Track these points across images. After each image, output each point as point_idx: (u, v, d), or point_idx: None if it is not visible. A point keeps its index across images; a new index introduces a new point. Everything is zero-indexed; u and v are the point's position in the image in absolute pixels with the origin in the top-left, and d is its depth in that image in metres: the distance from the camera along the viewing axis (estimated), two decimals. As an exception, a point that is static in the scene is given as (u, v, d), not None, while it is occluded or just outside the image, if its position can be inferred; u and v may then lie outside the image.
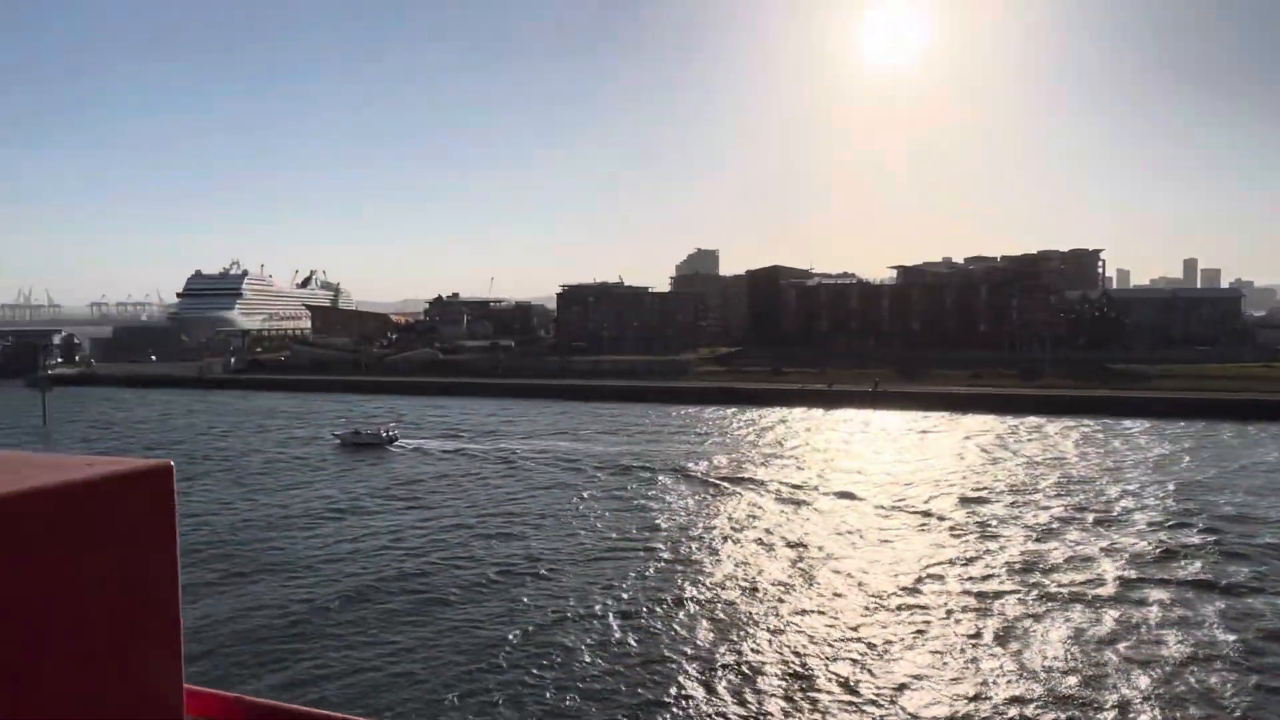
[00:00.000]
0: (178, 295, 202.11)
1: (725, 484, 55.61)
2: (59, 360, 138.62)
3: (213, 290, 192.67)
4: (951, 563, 38.15)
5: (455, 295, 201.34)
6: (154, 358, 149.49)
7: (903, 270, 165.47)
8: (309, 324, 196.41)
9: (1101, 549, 39.57)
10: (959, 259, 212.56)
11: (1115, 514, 46.53)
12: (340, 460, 67.69)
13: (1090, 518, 45.60)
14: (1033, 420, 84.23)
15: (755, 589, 35.28)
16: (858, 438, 77.29)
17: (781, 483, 55.32)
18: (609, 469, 61.40)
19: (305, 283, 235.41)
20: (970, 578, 36.11)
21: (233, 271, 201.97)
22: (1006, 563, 37.94)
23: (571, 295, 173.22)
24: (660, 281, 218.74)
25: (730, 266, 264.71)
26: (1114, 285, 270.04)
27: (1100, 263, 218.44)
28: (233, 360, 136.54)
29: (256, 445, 75.39)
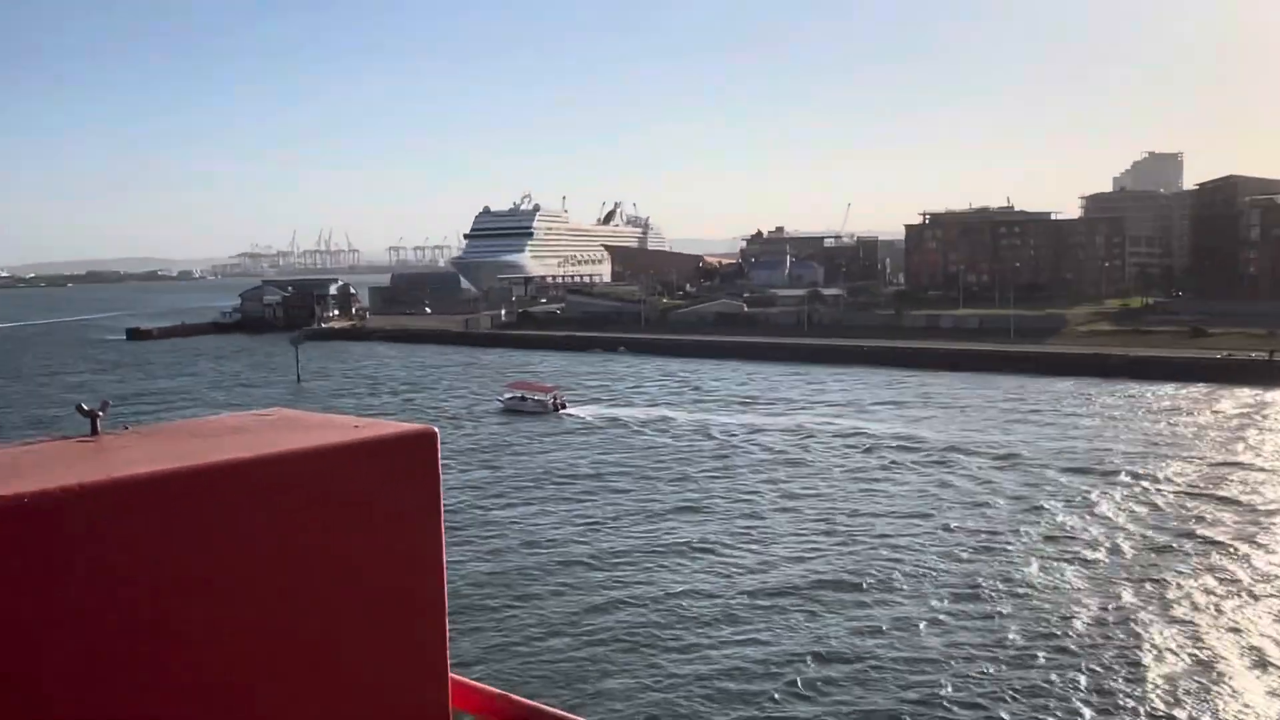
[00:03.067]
0: (464, 237, 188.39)
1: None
2: (335, 313, 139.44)
3: (501, 230, 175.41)
4: None
5: (779, 230, 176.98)
6: (428, 309, 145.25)
7: None
8: (608, 268, 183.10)
9: None
10: None
11: None
12: (494, 429, 63.95)
13: None
14: None
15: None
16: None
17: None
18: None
19: (608, 218, 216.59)
20: None
21: (523, 207, 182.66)
22: None
23: (926, 229, 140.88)
24: (1096, 204, 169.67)
25: (1199, 177, 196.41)
26: None
27: None
28: (503, 314, 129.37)
29: (431, 403, 75.69)
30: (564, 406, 68.30)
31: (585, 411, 68.86)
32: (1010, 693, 25.78)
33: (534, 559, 35.51)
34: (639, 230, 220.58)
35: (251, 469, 1.74)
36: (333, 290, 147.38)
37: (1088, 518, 41.09)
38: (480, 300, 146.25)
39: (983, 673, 26.77)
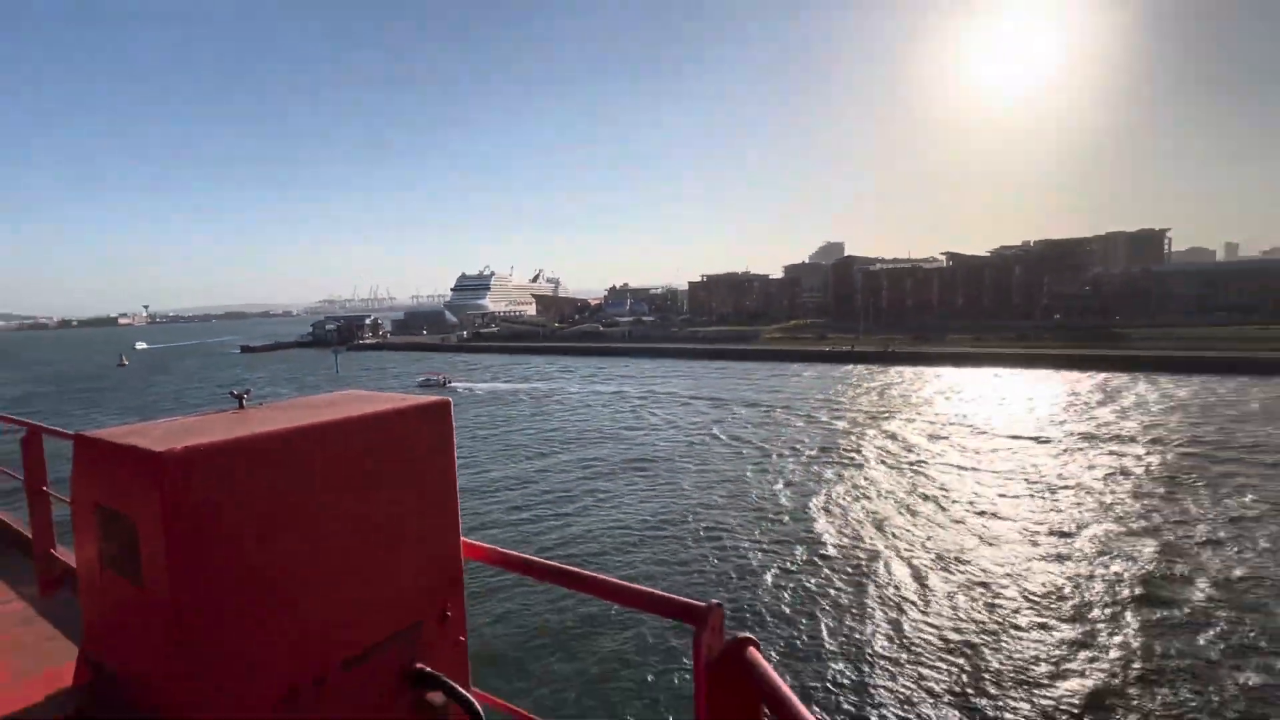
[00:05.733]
0: (451, 290, 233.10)
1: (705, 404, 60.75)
2: (369, 336, 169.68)
3: (471, 286, 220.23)
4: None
5: (625, 284, 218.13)
6: (425, 332, 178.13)
7: (951, 255, 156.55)
8: (534, 308, 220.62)
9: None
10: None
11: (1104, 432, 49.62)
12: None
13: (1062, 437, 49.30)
14: (1000, 368, 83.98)
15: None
16: (834, 385, 75.71)
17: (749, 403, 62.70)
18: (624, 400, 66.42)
19: (535, 278, 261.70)
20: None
21: (485, 273, 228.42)
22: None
23: (699, 284, 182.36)
24: (791, 270, 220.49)
25: (849, 252, 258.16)
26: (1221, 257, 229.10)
27: (1166, 240, 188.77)
28: (464, 334, 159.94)
29: (375, 381, 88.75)
30: (448, 383, 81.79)
31: (466, 385, 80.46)
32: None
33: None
34: (553, 285, 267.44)
35: (346, 425, 2.05)
36: (367, 322, 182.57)
37: (749, 427, 50.73)
38: (456, 327, 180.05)
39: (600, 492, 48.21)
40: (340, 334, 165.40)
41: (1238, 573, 24.16)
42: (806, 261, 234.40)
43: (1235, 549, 26.59)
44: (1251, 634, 19.76)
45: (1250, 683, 17.36)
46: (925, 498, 33.79)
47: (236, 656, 1.83)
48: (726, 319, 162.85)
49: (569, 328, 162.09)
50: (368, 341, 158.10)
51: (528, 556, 2.34)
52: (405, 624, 2.26)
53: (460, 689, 2.27)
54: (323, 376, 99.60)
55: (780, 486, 36.15)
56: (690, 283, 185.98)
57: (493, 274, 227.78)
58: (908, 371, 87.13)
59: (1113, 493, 34.20)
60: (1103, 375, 76.94)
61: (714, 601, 1.75)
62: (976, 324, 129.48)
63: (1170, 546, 26.91)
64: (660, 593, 1.92)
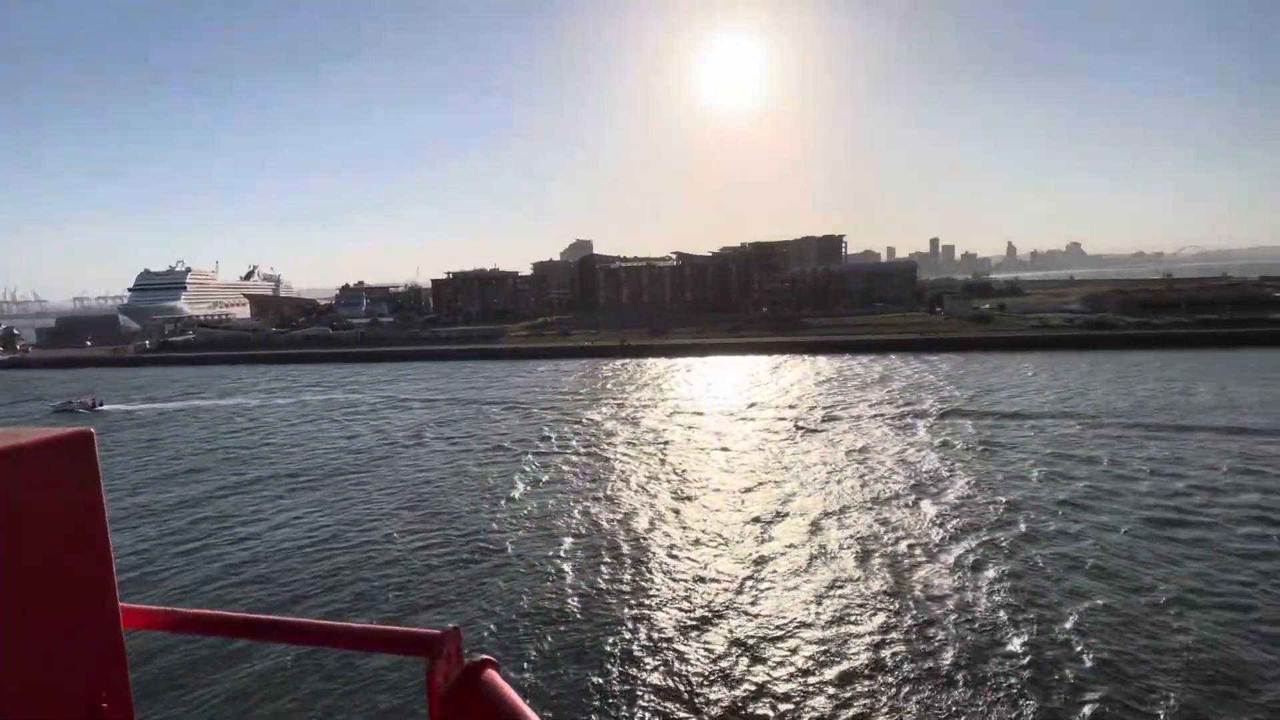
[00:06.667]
0: (128, 290, 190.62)
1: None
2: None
3: (158, 285, 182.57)
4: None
5: (361, 283, 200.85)
6: (89, 343, 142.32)
7: (679, 254, 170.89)
8: (248, 310, 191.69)
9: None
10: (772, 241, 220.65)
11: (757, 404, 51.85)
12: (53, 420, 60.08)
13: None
14: (716, 356, 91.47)
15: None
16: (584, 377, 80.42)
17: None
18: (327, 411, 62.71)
19: (249, 276, 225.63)
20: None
21: (177, 269, 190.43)
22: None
23: (443, 282, 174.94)
24: (540, 268, 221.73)
25: (604, 250, 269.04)
26: (893, 258, 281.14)
27: (843, 245, 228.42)
28: (147, 344, 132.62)
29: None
30: (98, 406, 69.67)
31: (132, 408, 70.02)
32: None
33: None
34: (272, 284, 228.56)
35: None
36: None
37: (476, 427, 53.33)
38: (137, 335, 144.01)
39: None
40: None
41: (834, 494, 28.98)
42: (556, 259, 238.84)
43: (835, 478, 32.00)
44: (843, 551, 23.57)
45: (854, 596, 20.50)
46: (649, 480, 35.30)
47: None
48: (474, 318, 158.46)
49: (289, 332, 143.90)
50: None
51: (212, 613, 1.98)
52: None
53: None
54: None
55: (507, 485, 35.32)
56: (434, 280, 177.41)
57: (188, 270, 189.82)
58: (642, 363, 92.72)
59: (788, 451, 39.27)
60: (785, 357, 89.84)
61: (450, 627, 1.60)
62: (702, 317, 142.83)
63: (805, 484, 31.44)
64: (386, 627, 1.73)
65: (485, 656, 1.58)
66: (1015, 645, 18.83)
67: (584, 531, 29.16)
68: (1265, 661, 17.46)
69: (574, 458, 41.70)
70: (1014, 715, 16.02)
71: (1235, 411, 45.49)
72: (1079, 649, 18.39)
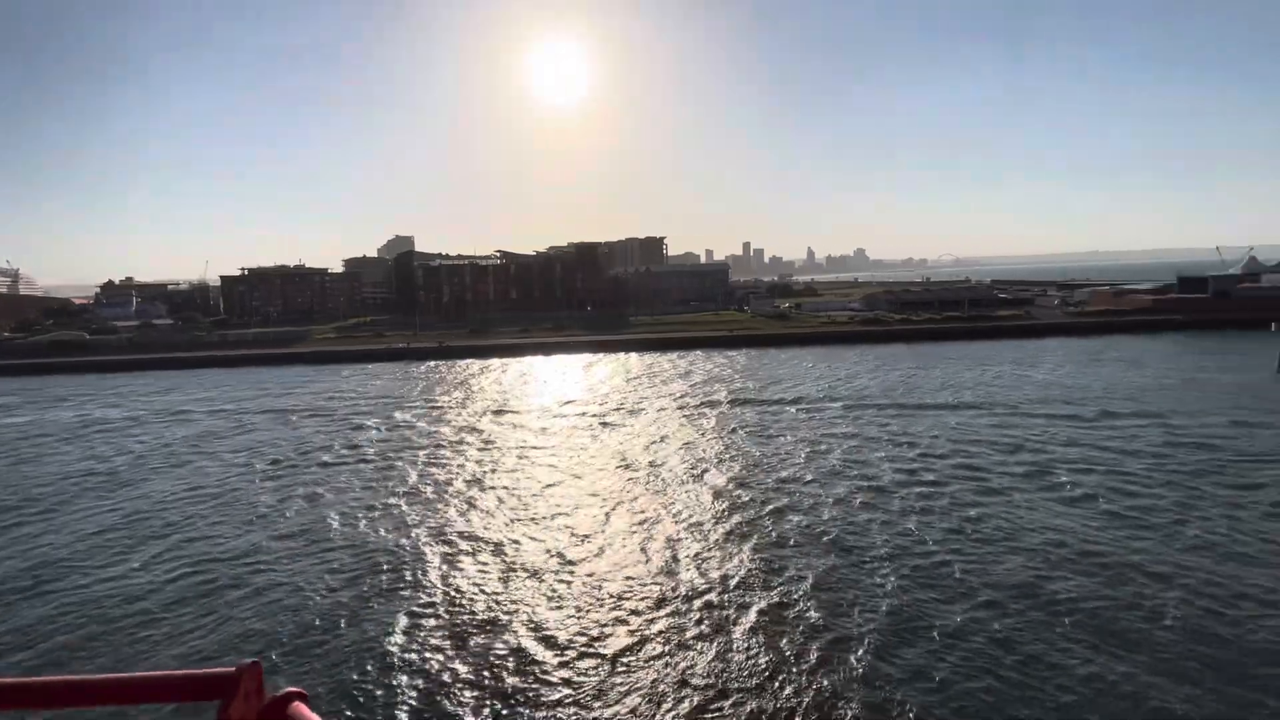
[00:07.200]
0: None
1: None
2: None
3: None
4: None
5: (129, 279, 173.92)
6: None
7: (504, 253, 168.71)
8: None
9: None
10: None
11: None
12: None
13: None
14: (541, 355, 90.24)
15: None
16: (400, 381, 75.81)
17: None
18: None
19: None
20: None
21: None
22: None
23: (235, 279, 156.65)
24: (354, 264, 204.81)
25: (426, 248, 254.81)
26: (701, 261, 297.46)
27: (664, 246, 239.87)
28: None
29: None
30: None
31: None
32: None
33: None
34: (8, 278, 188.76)
35: None
36: None
37: (278, 428, 52.66)
38: None
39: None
40: None
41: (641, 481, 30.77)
42: (374, 255, 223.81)
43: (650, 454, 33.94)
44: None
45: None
46: (448, 483, 34.11)
47: None
48: (274, 319, 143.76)
49: (31, 338, 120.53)
50: None
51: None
52: None
53: None
54: None
55: (282, 501, 32.45)
56: (224, 278, 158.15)
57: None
58: (461, 364, 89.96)
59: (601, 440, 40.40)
60: (605, 355, 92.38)
61: (246, 662, 1.46)
62: (528, 315, 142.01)
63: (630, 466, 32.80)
64: (174, 672, 1.53)
65: (292, 689, 1.44)
66: (758, 607, 21.30)
67: (373, 543, 27.91)
68: (939, 599, 21.44)
69: (367, 466, 39.66)
70: (754, 669, 18.15)
71: (956, 391, 54.86)
72: (802, 606, 21.28)
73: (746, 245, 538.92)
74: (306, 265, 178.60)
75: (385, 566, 25.42)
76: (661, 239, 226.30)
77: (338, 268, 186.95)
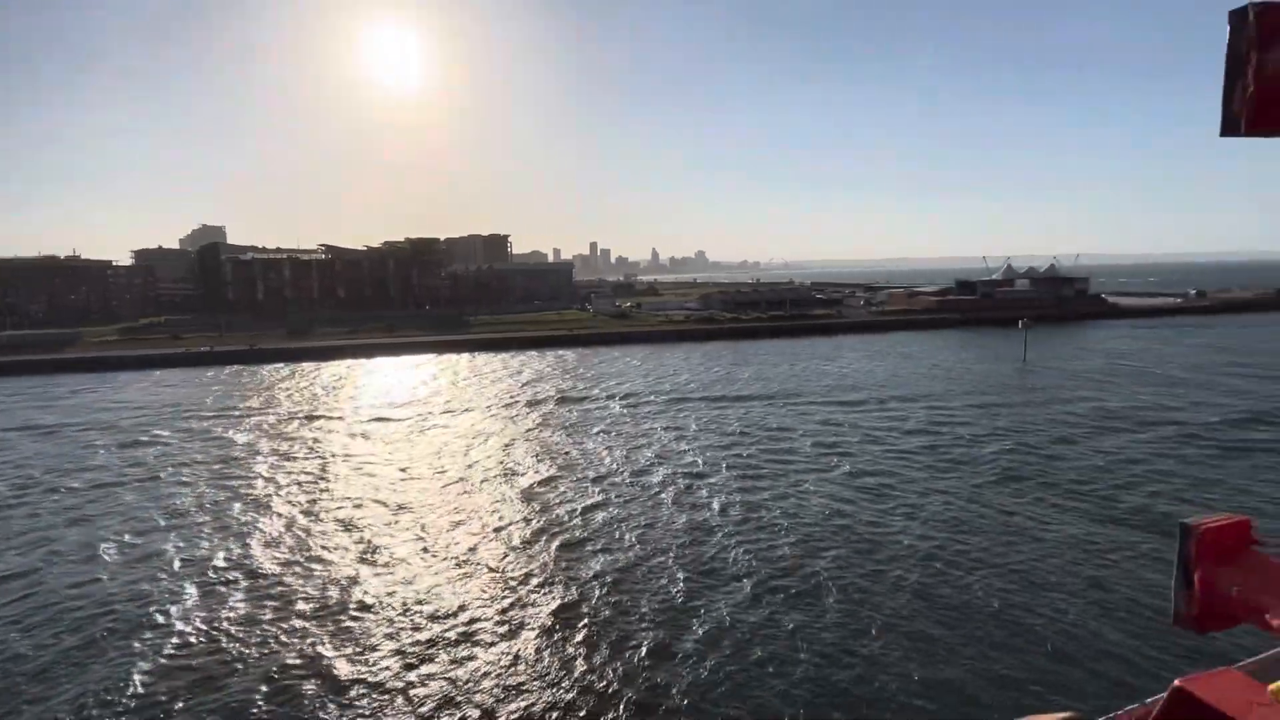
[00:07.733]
0: None
1: None
2: None
3: None
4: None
5: None
6: None
7: (329, 248, 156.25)
8: None
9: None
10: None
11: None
12: None
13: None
14: (370, 358, 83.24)
15: None
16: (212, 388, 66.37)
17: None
18: None
19: None
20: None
21: None
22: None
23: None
24: (146, 257, 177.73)
25: (241, 241, 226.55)
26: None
27: (509, 244, 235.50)
28: None
29: None
30: None
31: None
32: None
33: None
34: None
35: None
36: None
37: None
38: None
39: None
40: None
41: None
42: (173, 247, 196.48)
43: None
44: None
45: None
46: (251, 499, 29.99)
47: None
48: (35, 320, 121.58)
49: None
50: None
51: None
52: None
53: None
54: None
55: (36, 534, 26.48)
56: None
57: None
58: (268, 370, 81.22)
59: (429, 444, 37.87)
60: (438, 356, 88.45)
61: None
62: (357, 315, 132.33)
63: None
64: None
65: None
66: (551, 608, 20.96)
67: (109, 581, 24.09)
68: (716, 585, 22.47)
69: (121, 489, 34.47)
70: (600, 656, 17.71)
71: (766, 383, 58.88)
72: (597, 602, 21.32)
73: (594, 245, 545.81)
74: (83, 257, 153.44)
75: (119, 607, 21.88)
76: (506, 237, 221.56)
77: (126, 260, 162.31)
